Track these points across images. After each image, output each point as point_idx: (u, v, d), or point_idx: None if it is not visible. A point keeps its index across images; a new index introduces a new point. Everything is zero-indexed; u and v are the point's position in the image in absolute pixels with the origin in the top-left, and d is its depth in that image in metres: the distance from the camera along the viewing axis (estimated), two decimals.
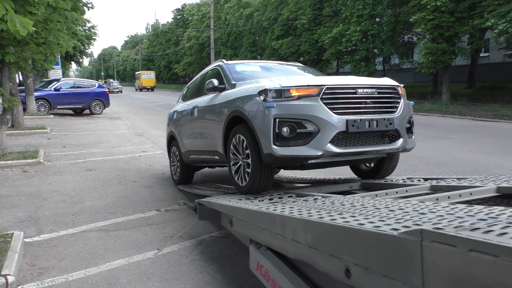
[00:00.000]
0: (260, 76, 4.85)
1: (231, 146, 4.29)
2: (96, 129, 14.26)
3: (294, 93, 3.61)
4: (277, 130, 3.58)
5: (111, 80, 70.26)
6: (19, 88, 19.22)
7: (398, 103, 3.96)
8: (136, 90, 60.69)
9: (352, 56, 26.17)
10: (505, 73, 28.65)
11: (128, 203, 5.60)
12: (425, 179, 4.54)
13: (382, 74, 30.98)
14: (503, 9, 15.16)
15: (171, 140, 6.76)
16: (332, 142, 3.55)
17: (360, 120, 3.62)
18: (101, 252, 3.97)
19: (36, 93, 17.54)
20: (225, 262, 3.79)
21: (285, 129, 3.57)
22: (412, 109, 4.29)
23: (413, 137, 4.28)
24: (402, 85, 4.20)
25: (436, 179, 4.36)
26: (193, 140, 5.67)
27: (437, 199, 2.87)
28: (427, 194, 3.68)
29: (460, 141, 9.98)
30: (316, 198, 3.44)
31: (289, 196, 3.83)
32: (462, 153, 8.45)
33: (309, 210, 2.61)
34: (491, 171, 6.79)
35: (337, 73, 37.40)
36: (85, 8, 21.06)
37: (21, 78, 19.77)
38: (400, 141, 3.94)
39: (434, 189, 3.64)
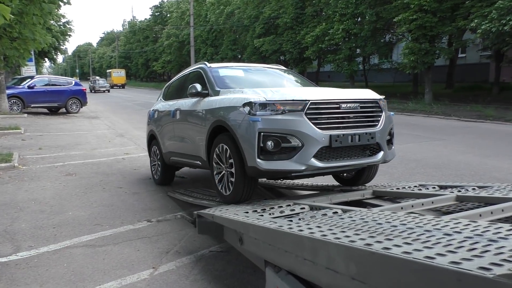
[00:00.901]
0: (244, 83, 4.97)
1: (215, 155, 4.31)
2: (73, 129, 13.57)
3: (279, 107, 3.67)
4: (261, 144, 3.64)
5: (97, 77, 54.98)
6: None
7: (380, 116, 4.10)
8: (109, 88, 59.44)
9: (334, 55, 26.03)
10: (481, 73, 29.16)
11: (115, 213, 5.13)
12: (441, 187, 4.26)
13: (362, 73, 31.09)
14: (487, 10, 15.23)
15: (152, 139, 6.68)
16: (315, 156, 3.65)
17: (343, 135, 3.72)
18: (89, 273, 3.51)
19: (8, 91, 16.62)
20: (231, 282, 3.40)
21: (269, 143, 3.63)
22: (393, 120, 4.37)
23: (393, 147, 4.40)
24: (383, 97, 4.31)
25: (454, 187, 4.08)
26: (175, 143, 5.64)
27: (480, 215, 2.55)
28: (456, 205, 3.40)
29: (451, 143, 9.84)
30: (336, 212, 3.10)
31: (301, 208, 3.47)
32: (457, 155, 8.29)
33: (342, 230, 2.25)
34: (492, 175, 6.61)
35: (317, 73, 37.40)
36: (61, 3, 20.30)
37: None
38: (381, 154, 4.08)
39: (461, 200, 3.34)
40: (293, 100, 3.70)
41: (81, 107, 19.61)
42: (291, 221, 2.83)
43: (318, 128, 3.65)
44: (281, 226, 2.64)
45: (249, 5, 37.02)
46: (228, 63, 5.77)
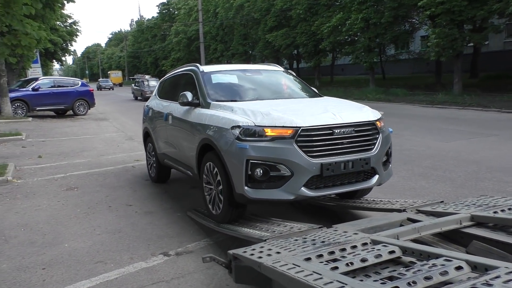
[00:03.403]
0: (237, 92, 4.82)
1: (204, 172, 4.21)
2: (80, 133, 12.57)
3: (269, 133, 3.51)
4: (249, 172, 3.51)
5: (146, 76, 39.98)
6: None
7: (376, 139, 3.87)
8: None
9: (352, 46, 24.69)
10: (506, 61, 27.51)
11: (123, 243, 4.04)
12: None
13: (379, 65, 29.63)
14: None
15: (147, 136, 6.50)
16: (305, 185, 3.50)
17: (336, 162, 3.54)
18: None
19: (11, 94, 15.65)
20: None
21: (257, 171, 3.50)
22: (391, 139, 4.16)
23: (390, 166, 4.21)
24: (381, 117, 4.08)
25: None
26: (169, 147, 5.50)
27: None
28: None
29: (508, 139, 8.60)
30: (460, 267, 1.98)
31: (389, 252, 2.34)
32: None
33: None
34: None
35: (332, 66, 36.06)
36: (65, 1, 19.31)
37: None
38: (376, 178, 3.88)
39: None
40: (283, 126, 3.51)
41: (89, 109, 18.66)
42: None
43: (309, 156, 3.48)
44: None
45: None
46: (222, 66, 5.56)
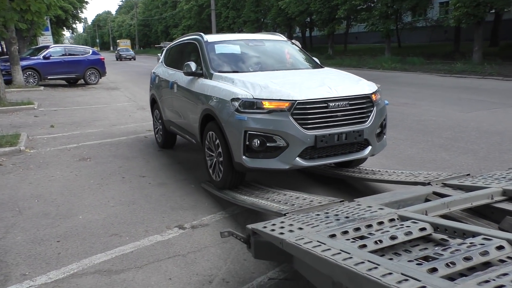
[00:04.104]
0: (239, 63, 4.89)
1: (206, 141, 4.43)
2: (91, 102, 12.48)
3: (266, 105, 3.65)
4: (247, 142, 3.68)
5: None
6: (3, 57, 17.35)
7: (371, 112, 3.97)
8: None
9: (369, 13, 23.88)
10: None
11: (137, 215, 3.97)
12: None
13: (396, 33, 28.69)
14: None
15: (154, 103, 6.65)
16: (300, 156, 3.67)
17: (329, 134, 3.69)
18: None
19: (23, 62, 15.49)
20: None
21: (255, 142, 3.66)
22: (386, 110, 4.28)
23: (384, 137, 4.32)
24: (377, 90, 4.16)
25: None
26: (174, 115, 5.65)
27: None
28: None
29: None
30: (501, 246, 1.83)
31: (420, 230, 2.20)
32: None
33: None
34: None
35: (347, 34, 35.08)
36: None
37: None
38: (369, 149, 4.02)
39: None
40: (280, 99, 3.65)
41: (100, 78, 18.50)
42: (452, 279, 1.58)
43: (304, 128, 3.63)
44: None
45: None
46: (225, 35, 5.57)
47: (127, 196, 4.49)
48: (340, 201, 3.19)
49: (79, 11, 36.67)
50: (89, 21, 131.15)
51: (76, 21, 39.40)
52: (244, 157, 3.73)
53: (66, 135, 7.68)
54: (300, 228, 2.48)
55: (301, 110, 3.62)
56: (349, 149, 3.90)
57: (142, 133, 7.80)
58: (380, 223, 2.46)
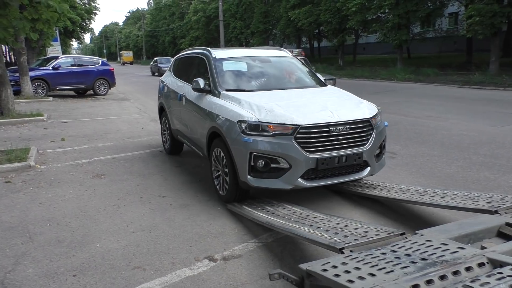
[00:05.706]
0: (245, 82, 4.96)
1: (213, 155, 4.55)
2: (102, 114, 12.15)
3: (271, 129, 3.81)
4: (252, 163, 3.86)
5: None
6: (11, 68, 17.10)
7: (370, 135, 4.09)
8: (122, 64, 72.19)
9: (381, 24, 23.55)
10: None
11: (161, 244, 3.56)
12: None
13: (406, 43, 28.26)
14: None
15: (162, 111, 6.89)
16: (302, 177, 3.81)
17: (330, 157, 3.82)
18: None
19: (31, 73, 15.24)
20: None
21: (259, 163, 3.83)
22: (386, 132, 4.41)
23: (383, 157, 4.46)
24: (378, 113, 4.29)
25: None
26: (182, 126, 5.82)
27: None
28: None
29: None
30: None
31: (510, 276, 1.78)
32: None
33: None
34: None
35: (355, 45, 34.77)
36: None
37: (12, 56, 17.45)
38: (367, 170, 4.14)
39: None
40: (284, 124, 3.80)
41: (109, 88, 18.22)
42: None
43: (306, 151, 3.77)
44: None
45: None
46: (232, 50, 5.68)
47: (147, 220, 4.08)
48: (401, 234, 2.76)
49: (87, 22, 36.71)
50: (96, 32, 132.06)
51: (84, 32, 39.43)
52: (249, 176, 3.89)
53: (78, 149, 7.31)
54: (372, 275, 2.06)
55: (304, 134, 3.77)
56: (348, 170, 4.03)
57: (157, 147, 7.41)
58: (469, 268, 2.03)
